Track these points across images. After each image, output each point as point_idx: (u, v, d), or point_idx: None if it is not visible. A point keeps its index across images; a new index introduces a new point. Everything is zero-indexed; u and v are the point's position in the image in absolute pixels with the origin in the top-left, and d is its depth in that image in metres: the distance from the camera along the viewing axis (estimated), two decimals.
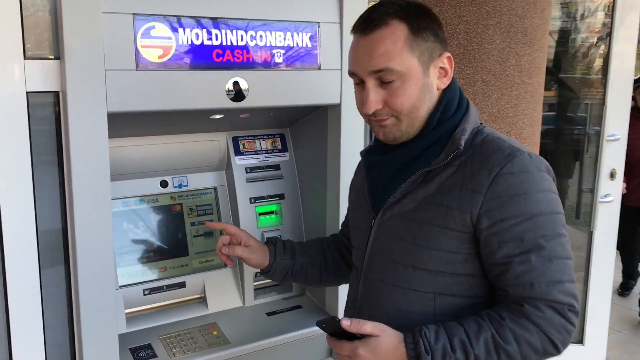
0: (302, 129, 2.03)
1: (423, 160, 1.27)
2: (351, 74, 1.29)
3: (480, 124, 1.33)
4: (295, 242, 1.67)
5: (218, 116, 1.76)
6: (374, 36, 1.22)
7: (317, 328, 1.90)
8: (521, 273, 1.17)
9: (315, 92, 1.77)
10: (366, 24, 1.23)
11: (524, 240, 1.17)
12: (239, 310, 1.96)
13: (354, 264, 1.48)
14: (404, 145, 1.30)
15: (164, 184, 1.90)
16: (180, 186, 1.93)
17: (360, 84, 1.27)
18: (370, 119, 1.29)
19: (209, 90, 1.59)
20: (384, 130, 1.28)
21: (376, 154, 1.37)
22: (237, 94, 1.63)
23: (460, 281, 1.25)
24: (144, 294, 1.83)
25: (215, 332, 1.82)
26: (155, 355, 1.69)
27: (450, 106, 1.28)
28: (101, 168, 1.48)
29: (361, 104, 1.27)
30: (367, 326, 1.19)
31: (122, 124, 1.63)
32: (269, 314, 1.95)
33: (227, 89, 1.61)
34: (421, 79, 1.24)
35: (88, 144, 1.45)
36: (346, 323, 1.19)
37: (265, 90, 1.68)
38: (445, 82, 1.28)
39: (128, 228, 1.85)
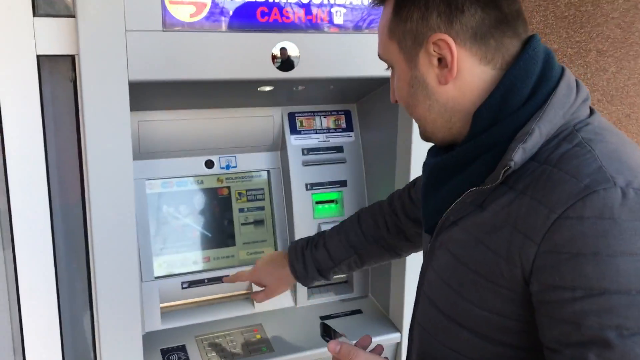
0: (371, 105, 1.74)
1: (473, 173, 0.90)
2: None
3: (588, 116, 0.89)
4: (318, 252, 1.43)
5: (267, 88, 1.50)
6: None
7: (378, 338, 1.65)
8: None
9: None
10: None
11: (582, 326, 0.76)
12: (290, 311, 1.72)
13: None
14: (451, 149, 0.96)
15: (209, 164, 1.68)
16: (227, 167, 1.70)
17: None
18: None
19: (251, 56, 1.33)
20: None
21: (433, 153, 1.05)
22: (285, 62, 1.36)
23: (516, 355, 0.89)
24: (183, 287, 1.63)
25: (258, 336, 1.60)
26: None
27: (514, 95, 0.87)
28: (121, 145, 1.26)
29: None
30: None
31: (154, 94, 1.42)
32: (322, 318, 1.70)
33: (273, 56, 1.34)
34: (407, 70, 0.94)
35: (105, 117, 1.23)
36: (334, 347, 0.99)
37: (320, 58, 1.40)
38: (448, 75, 0.89)
39: (168, 212, 1.65)
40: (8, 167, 1.23)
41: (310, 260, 1.43)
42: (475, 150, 0.90)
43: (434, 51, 0.89)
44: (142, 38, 1.23)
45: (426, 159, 1.06)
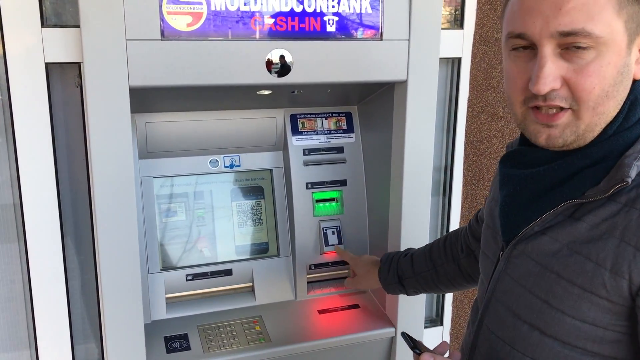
0: (371, 107, 1.79)
1: (574, 185, 0.88)
2: (515, 36, 0.87)
3: None
4: (404, 259, 1.51)
5: (266, 92, 1.57)
6: None
7: (373, 332, 1.72)
8: None
9: (376, 67, 1.52)
10: None
11: None
12: (289, 304, 1.79)
13: (478, 293, 1.16)
14: (561, 158, 0.90)
15: (214, 163, 1.77)
16: (231, 166, 1.78)
17: (524, 50, 0.87)
18: (530, 112, 0.89)
19: (246, 63, 1.40)
20: (550, 131, 0.87)
21: (516, 164, 0.97)
22: (280, 68, 1.42)
23: None
24: (187, 280, 1.73)
25: (257, 327, 1.68)
26: (188, 348, 1.58)
27: (637, 108, 0.87)
28: (123, 145, 1.35)
29: (522, 80, 0.87)
30: None
31: (159, 98, 1.51)
32: (320, 312, 1.77)
33: (267, 62, 1.41)
34: (623, 56, 0.83)
35: (107, 120, 1.32)
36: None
37: (313, 64, 1.46)
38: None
39: (174, 208, 1.74)
40: (20, 168, 1.34)
41: (394, 266, 1.51)
42: (580, 163, 0.87)
43: None
44: (141, 47, 1.31)
45: (507, 169, 0.98)
